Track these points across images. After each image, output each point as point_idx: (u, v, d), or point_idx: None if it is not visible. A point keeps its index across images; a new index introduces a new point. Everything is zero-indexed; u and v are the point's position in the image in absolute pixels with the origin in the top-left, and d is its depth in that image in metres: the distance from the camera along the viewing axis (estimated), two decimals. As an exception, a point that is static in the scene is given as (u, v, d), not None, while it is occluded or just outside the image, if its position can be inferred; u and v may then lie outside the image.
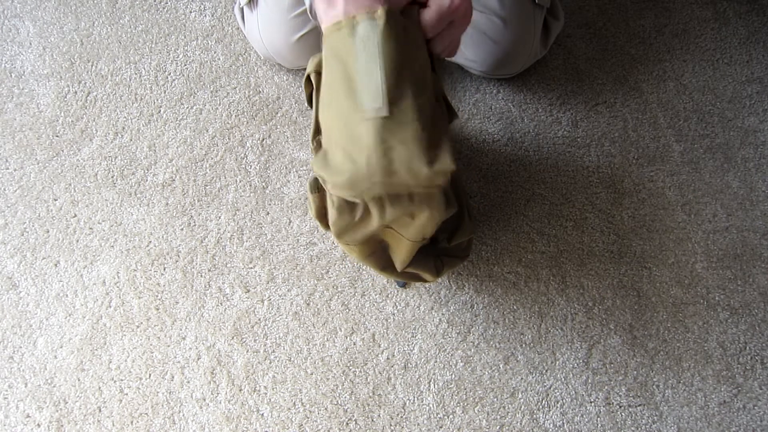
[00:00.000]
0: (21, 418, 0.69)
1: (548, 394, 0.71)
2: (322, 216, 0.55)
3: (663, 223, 0.78)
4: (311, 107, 0.58)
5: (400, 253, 0.56)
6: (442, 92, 0.54)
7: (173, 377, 0.70)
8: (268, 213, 0.76)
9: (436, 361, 0.71)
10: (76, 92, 0.82)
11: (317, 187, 0.55)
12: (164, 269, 0.74)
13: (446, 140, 0.45)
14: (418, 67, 0.47)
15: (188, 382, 0.70)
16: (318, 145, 0.51)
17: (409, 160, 0.44)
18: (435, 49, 0.52)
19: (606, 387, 0.71)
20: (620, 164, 0.80)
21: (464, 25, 0.52)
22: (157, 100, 0.81)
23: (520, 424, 0.69)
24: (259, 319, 0.72)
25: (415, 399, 0.70)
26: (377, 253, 0.58)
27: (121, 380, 0.70)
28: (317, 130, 0.52)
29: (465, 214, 0.57)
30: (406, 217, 0.50)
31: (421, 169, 0.44)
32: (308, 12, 0.52)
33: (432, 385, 0.70)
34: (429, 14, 0.50)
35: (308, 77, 0.54)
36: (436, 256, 0.61)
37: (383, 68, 0.45)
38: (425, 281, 0.63)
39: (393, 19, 0.46)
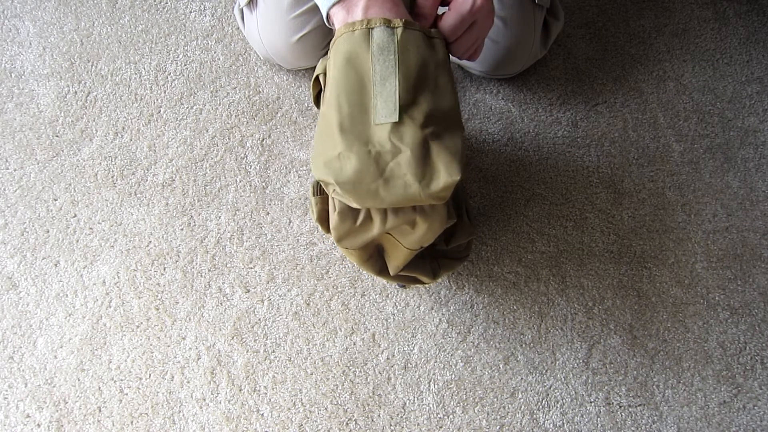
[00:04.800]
0: (21, 418, 0.69)
1: (548, 394, 0.71)
2: (323, 219, 0.55)
3: (663, 223, 0.78)
4: (318, 107, 0.58)
5: (395, 259, 0.56)
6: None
7: (173, 377, 0.70)
8: (268, 213, 0.76)
9: (436, 361, 0.71)
10: (76, 92, 0.82)
11: (319, 190, 0.54)
12: (164, 269, 0.74)
13: (454, 152, 0.45)
14: (437, 80, 0.46)
15: (188, 382, 0.70)
16: None
17: (410, 183, 0.44)
18: (457, 52, 0.51)
19: (606, 387, 0.71)
20: (620, 164, 0.80)
21: (488, 26, 0.51)
22: (157, 100, 0.81)
23: (520, 424, 0.69)
24: (259, 319, 0.72)
25: (415, 399, 0.70)
26: (374, 258, 0.58)
27: (121, 380, 0.70)
28: None
29: (464, 216, 0.56)
30: (406, 226, 0.50)
31: (419, 188, 0.44)
32: (325, 21, 0.51)
33: (432, 385, 0.70)
34: (449, 17, 0.48)
35: (317, 78, 0.54)
36: (432, 259, 0.61)
37: (399, 79, 0.44)
38: (422, 283, 0.63)
39: (412, 29, 0.45)
